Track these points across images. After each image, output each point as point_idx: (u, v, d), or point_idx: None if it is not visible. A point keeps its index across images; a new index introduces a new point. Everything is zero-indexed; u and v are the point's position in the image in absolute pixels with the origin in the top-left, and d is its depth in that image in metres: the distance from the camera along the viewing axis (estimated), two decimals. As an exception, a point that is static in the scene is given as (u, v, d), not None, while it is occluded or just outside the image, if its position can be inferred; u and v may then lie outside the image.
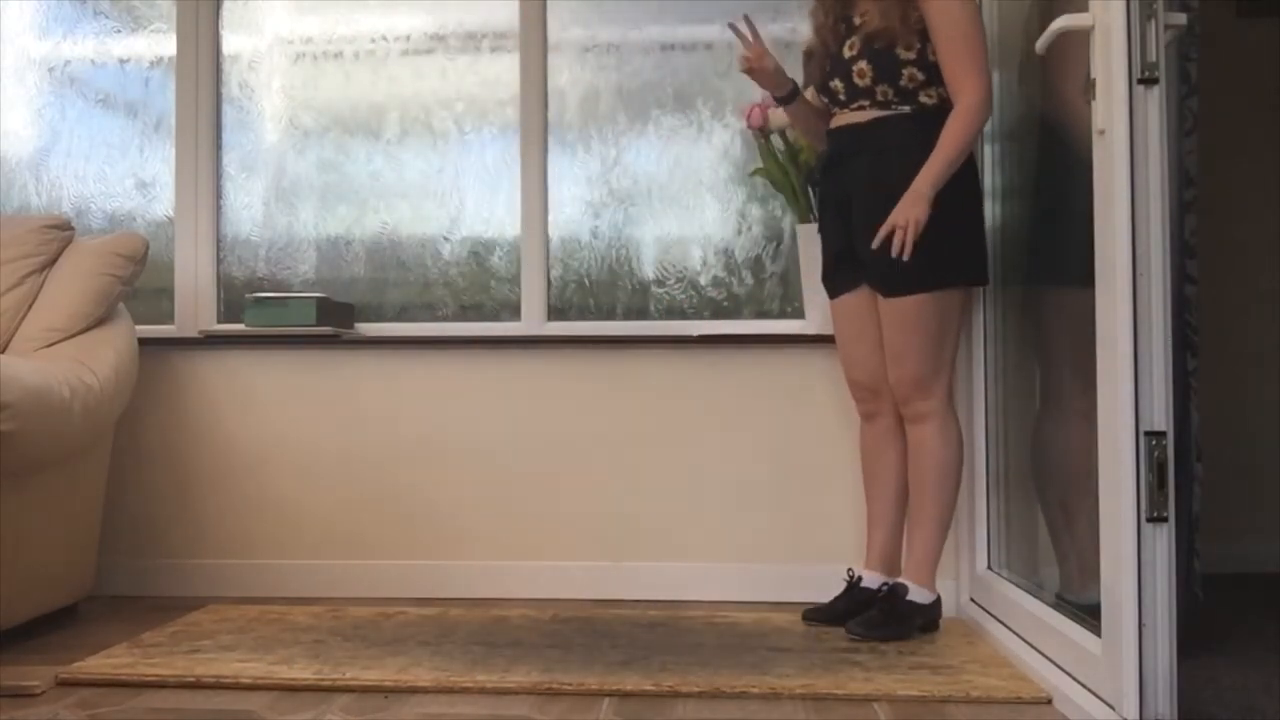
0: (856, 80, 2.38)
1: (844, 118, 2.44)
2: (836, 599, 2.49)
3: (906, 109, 2.37)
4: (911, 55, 2.34)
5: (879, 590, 2.45)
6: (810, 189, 2.75)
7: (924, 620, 2.40)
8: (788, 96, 2.52)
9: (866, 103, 2.39)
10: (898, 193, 2.27)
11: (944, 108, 2.34)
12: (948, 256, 2.34)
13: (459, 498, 2.94)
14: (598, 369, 2.92)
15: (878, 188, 2.34)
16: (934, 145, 2.29)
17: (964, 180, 2.35)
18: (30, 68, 3.25)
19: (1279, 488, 3.15)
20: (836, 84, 2.42)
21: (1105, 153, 1.72)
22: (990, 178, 2.61)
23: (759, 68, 2.47)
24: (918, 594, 2.38)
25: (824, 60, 2.46)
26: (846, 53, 2.39)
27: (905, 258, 2.24)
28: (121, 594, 2.93)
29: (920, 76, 2.34)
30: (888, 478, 2.50)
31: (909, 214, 2.24)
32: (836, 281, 2.51)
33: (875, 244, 2.28)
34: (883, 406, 2.48)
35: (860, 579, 2.49)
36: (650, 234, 3.08)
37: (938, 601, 2.42)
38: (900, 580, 2.41)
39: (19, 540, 2.32)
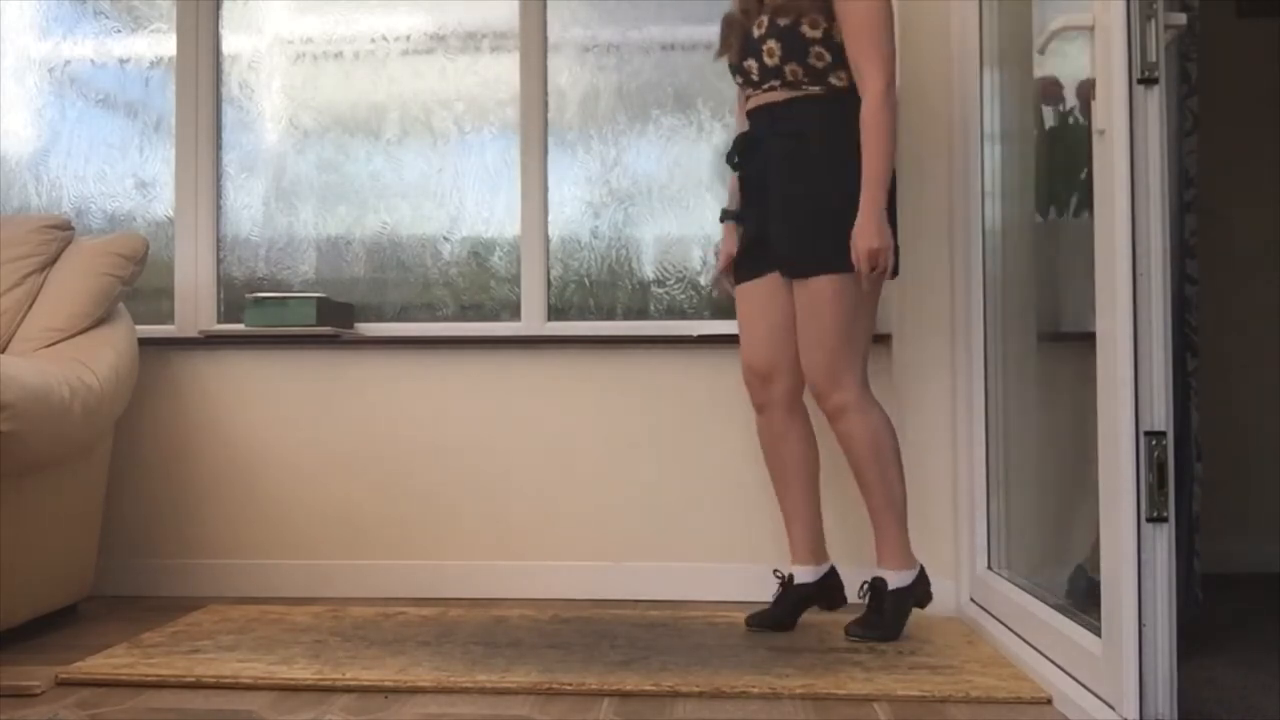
0: (766, 59, 2.35)
1: (758, 99, 2.41)
2: (776, 602, 2.47)
3: (817, 90, 2.34)
4: (817, 34, 2.31)
5: (820, 583, 2.47)
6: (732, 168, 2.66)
7: (915, 598, 2.39)
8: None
9: (777, 83, 2.36)
10: (814, 179, 2.29)
11: (855, 90, 2.31)
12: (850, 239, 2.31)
13: (459, 498, 2.94)
14: (598, 369, 2.92)
15: (794, 174, 2.33)
16: (849, 129, 2.28)
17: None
18: (30, 68, 3.25)
19: (1279, 488, 3.15)
20: (750, 63, 2.40)
21: (1105, 153, 1.72)
22: (991, 177, 2.62)
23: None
24: (898, 579, 2.36)
25: (740, 39, 2.42)
26: (756, 31, 2.37)
27: (890, 278, 2.30)
28: (121, 594, 2.93)
29: (828, 56, 2.33)
30: (794, 468, 2.48)
31: (877, 242, 2.24)
32: (748, 266, 2.48)
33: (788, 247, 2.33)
34: (773, 396, 2.47)
35: (793, 577, 2.48)
36: (650, 234, 3.08)
37: (921, 574, 2.40)
38: (878, 574, 2.39)
39: (19, 540, 2.32)
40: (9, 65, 3.25)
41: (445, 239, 3.14)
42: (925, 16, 2.72)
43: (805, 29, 2.31)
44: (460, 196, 3.13)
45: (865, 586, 2.39)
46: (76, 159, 3.23)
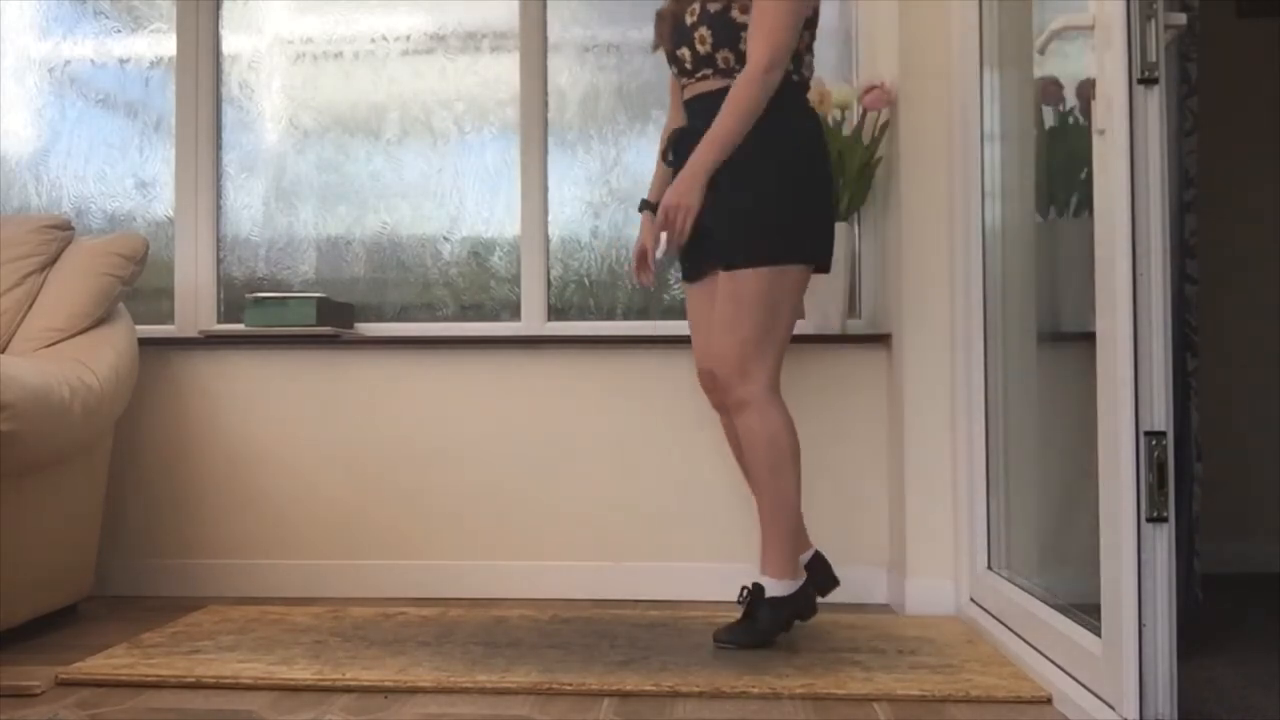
0: (699, 47, 2.32)
1: (693, 88, 2.37)
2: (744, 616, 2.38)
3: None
4: (748, 18, 2.26)
5: (809, 566, 2.41)
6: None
7: (791, 611, 2.32)
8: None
9: (710, 71, 2.33)
10: (748, 169, 2.25)
11: (785, 80, 2.28)
12: (782, 233, 2.28)
13: (459, 498, 2.94)
14: (598, 369, 2.92)
15: (727, 164, 2.27)
16: (783, 115, 2.26)
17: (803, 157, 2.30)
18: (30, 68, 3.26)
19: (1279, 488, 3.15)
20: (684, 52, 2.36)
21: (1105, 153, 1.72)
22: (992, 178, 2.62)
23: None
24: (777, 588, 2.30)
25: (672, 28, 2.39)
26: (689, 19, 2.33)
27: (681, 243, 2.26)
28: (121, 594, 2.93)
29: None
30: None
31: (681, 199, 2.22)
32: (692, 264, 2.45)
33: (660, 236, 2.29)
34: (728, 400, 2.38)
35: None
36: (650, 234, 3.07)
37: (804, 587, 2.34)
38: (758, 580, 2.32)
39: (19, 540, 2.32)
40: (9, 65, 3.25)
41: (445, 239, 3.14)
42: (925, 16, 2.72)
43: (735, 14, 2.27)
44: (460, 196, 3.13)
45: (744, 591, 2.32)
46: (76, 159, 3.23)
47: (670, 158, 2.44)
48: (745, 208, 2.27)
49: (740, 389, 2.29)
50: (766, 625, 2.29)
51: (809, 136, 2.33)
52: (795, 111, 2.32)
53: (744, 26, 2.27)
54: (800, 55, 2.34)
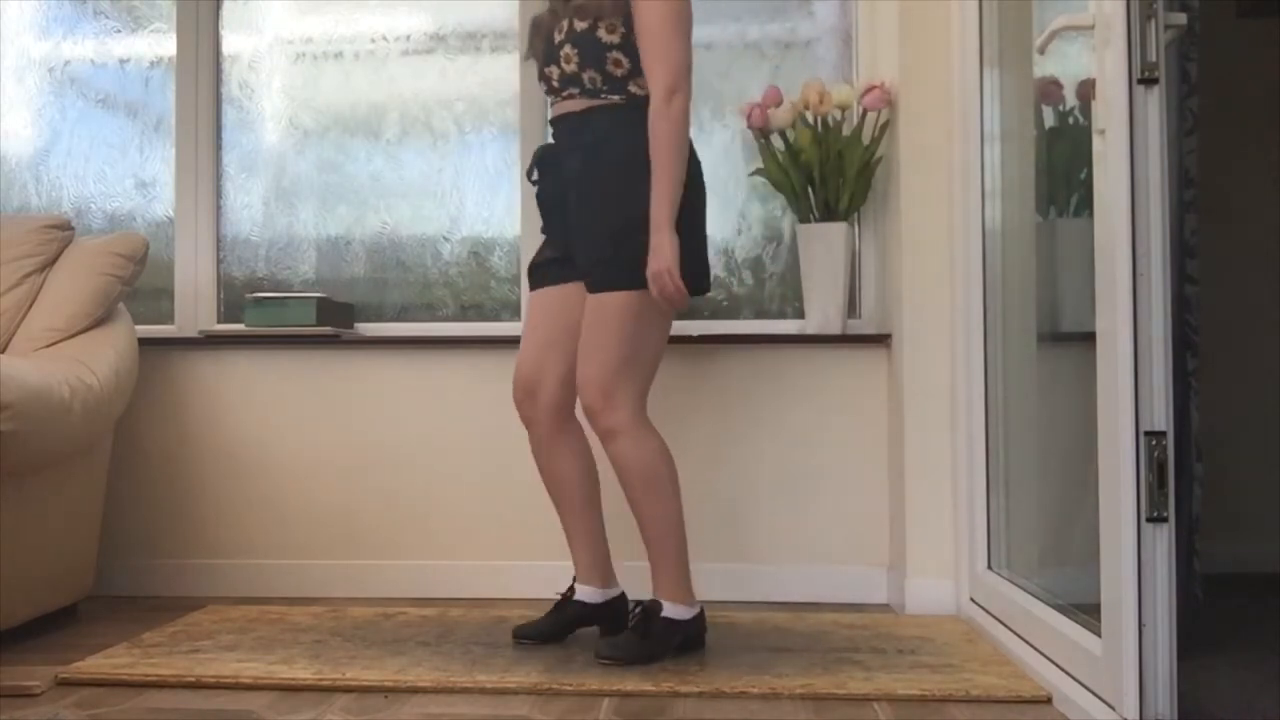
0: (565, 66, 2.26)
1: (560, 107, 2.32)
2: (549, 614, 2.37)
3: (617, 98, 2.24)
4: (615, 39, 2.21)
5: (605, 605, 2.37)
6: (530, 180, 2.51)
7: (684, 637, 2.24)
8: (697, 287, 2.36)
9: (576, 90, 2.27)
10: (611, 191, 2.21)
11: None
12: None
13: (459, 498, 2.94)
14: (598, 369, 2.92)
15: (591, 186, 2.25)
16: (645, 135, 2.19)
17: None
18: (30, 68, 3.26)
19: (1279, 488, 3.15)
20: (551, 70, 2.31)
21: (1105, 153, 1.72)
22: (992, 178, 2.62)
23: None
24: (673, 610, 2.23)
25: (545, 44, 2.33)
26: (557, 37, 2.28)
27: (685, 304, 2.19)
28: (121, 594, 2.93)
29: (626, 63, 2.22)
30: (568, 488, 2.39)
31: (661, 265, 2.14)
32: (544, 273, 2.37)
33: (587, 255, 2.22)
34: (537, 413, 2.35)
35: (574, 592, 2.39)
36: (650, 234, 3.07)
37: (699, 616, 2.28)
38: (654, 598, 2.25)
39: (19, 540, 2.32)
40: (9, 65, 3.25)
41: (445, 239, 3.14)
42: (925, 16, 2.72)
43: (602, 33, 2.21)
44: (460, 196, 3.13)
45: (637, 608, 2.25)
46: (76, 159, 3.23)
47: (534, 176, 2.39)
48: (615, 229, 2.21)
49: (607, 416, 2.21)
50: (658, 644, 2.20)
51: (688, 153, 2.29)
52: None
53: (610, 46, 2.22)
54: None
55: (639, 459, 2.22)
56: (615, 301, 2.21)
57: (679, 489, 2.28)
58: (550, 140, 2.40)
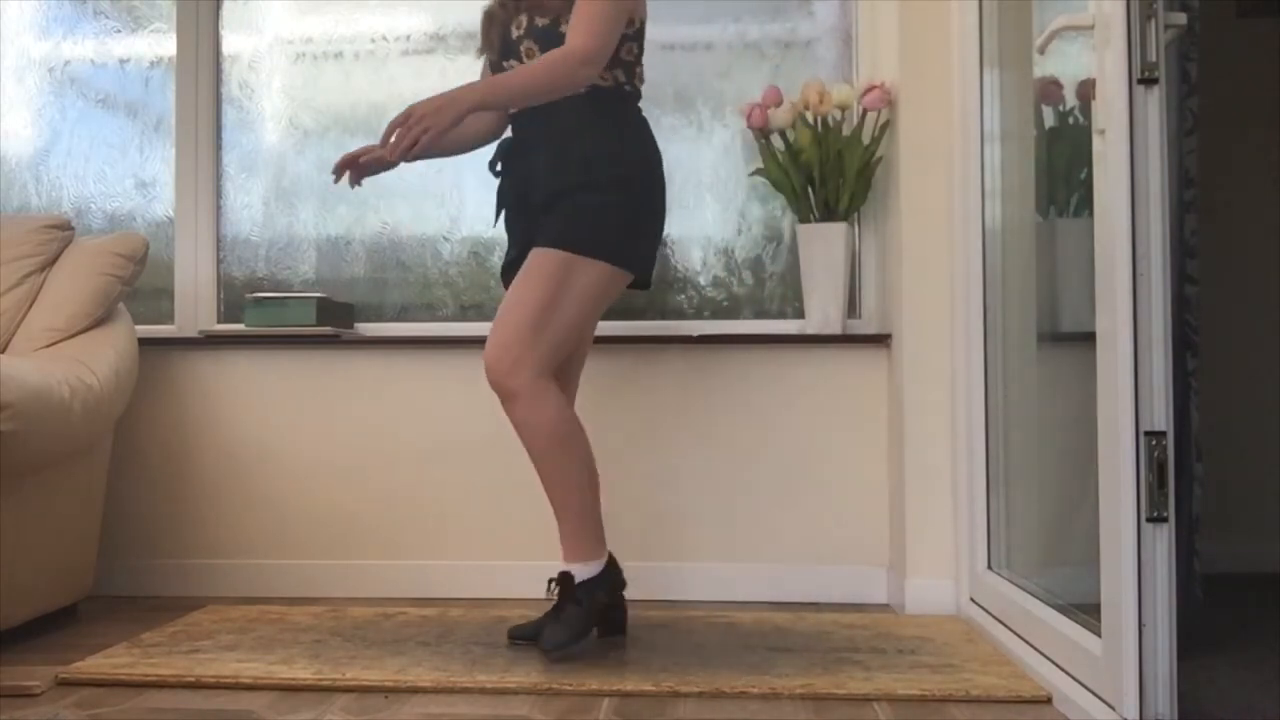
0: (525, 60, 2.26)
1: None
2: (543, 616, 2.32)
3: (581, 90, 2.22)
4: None
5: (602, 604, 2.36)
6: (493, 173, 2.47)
7: (606, 589, 2.27)
8: (499, 158, 2.39)
9: None
10: (576, 176, 2.21)
11: (619, 90, 2.28)
12: (602, 228, 2.22)
13: (459, 498, 2.94)
14: (598, 369, 2.92)
15: (556, 180, 2.24)
16: (614, 128, 2.24)
17: (646, 170, 2.29)
18: (30, 68, 3.25)
19: (1279, 488, 3.15)
20: (511, 64, 2.29)
21: (1105, 153, 1.72)
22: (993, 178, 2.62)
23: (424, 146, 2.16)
24: (583, 570, 2.24)
25: (500, 38, 2.32)
26: (515, 31, 2.28)
27: (405, 157, 2.13)
28: (121, 594, 2.93)
29: None
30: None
31: (431, 118, 2.10)
32: (513, 276, 2.33)
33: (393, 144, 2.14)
34: None
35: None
36: (650, 234, 3.07)
37: (609, 564, 2.30)
38: (564, 569, 2.26)
39: (19, 540, 2.32)
40: (9, 65, 3.25)
41: (445, 239, 3.14)
42: (925, 16, 2.72)
43: (564, 28, 2.20)
44: (460, 196, 3.13)
45: (552, 583, 2.25)
46: (76, 159, 3.23)
47: (498, 168, 2.39)
48: (569, 207, 2.22)
49: (508, 379, 2.19)
50: (585, 613, 2.22)
51: (647, 149, 2.32)
52: (634, 125, 2.32)
53: None
54: (632, 67, 2.32)
55: (540, 422, 2.20)
56: (542, 260, 2.20)
57: (583, 450, 2.25)
58: (510, 136, 2.39)
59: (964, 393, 2.62)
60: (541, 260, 2.21)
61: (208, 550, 2.97)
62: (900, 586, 2.70)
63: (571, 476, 2.25)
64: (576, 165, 2.23)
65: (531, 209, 2.30)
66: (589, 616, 2.24)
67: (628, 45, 2.30)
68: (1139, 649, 1.65)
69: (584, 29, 2.15)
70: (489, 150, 2.46)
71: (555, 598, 2.25)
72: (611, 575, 2.31)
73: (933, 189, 2.71)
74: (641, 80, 2.37)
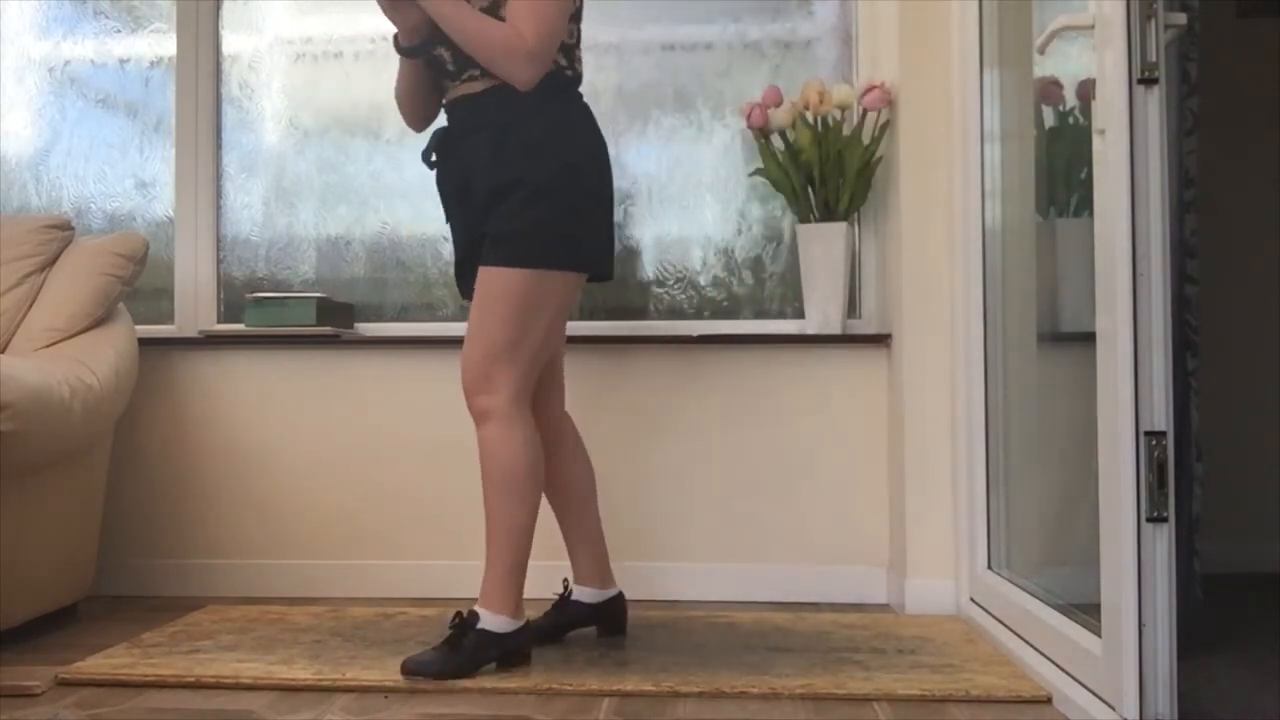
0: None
1: (458, 90, 2.21)
2: (543, 616, 2.34)
3: (516, 85, 2.13)
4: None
5: (601, 606, 2.37)
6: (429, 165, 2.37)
7: (501, 651, 2.10)
8: (412, 50, 2.21)
9: (476, 72, 2.16)
10: (523, 173, 2.11)
11: (560, 76, 2.18)
12: (549, 235, 2.12)
13: (459, 498, 2.93)
14: (598, 369, 2.92)
15: (500, 169, 2.13)
16: (559, 118, 2.16)
17: (585, 158, 2.18)
18: (30, 68, 3.25)
19: (1279, 488, 3.15)
20: (443, 53, 2.19)
21: (1105, 153, 1.72)
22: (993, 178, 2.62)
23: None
24: (492, 622, 2.10)
25: (433, 26, 2.16)
26: None
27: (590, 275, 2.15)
28: (121, 594, 2.93)
29: None
30: (564, 490, 2.38)
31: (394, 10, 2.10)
32: (466, 284, 2.27)
33: None
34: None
35: (571, 593, 2.39)
36: (650, 234, 3.08)
37: (522, 629, 2.14)
38: (475, 608, 2.13)
39: (19, 540, 2.32)
40: (9, 65, 3.25)
41: (445, 239, 3.13)
42: (925, 16, 2.72)
43: (503, 13, 2.10)
44: (460, 196, 3.13)
45: (455, 617, 2.13)
46: (76, 159, 3.23)
47: (433, 159, 2.29)
48: (512, 205, 2.12)
49: (481, 399, 2.12)
50: (469, 657, 2.08)
51: (591, 135, 2.24)
52: (577, 111, 2.24)
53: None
54: (572, 50, 2.22)
55: (503, 453, 2.12)
56: (503, 277, 2.11)
57: (535, 497, 2.17)
58: (445, 125, 2.30)
59: (964, 393, 2.62)
60: (501, 282, 2.12)
61: (208, 550, 2.97)
62: (900, 586, 2.70)
63: (515, 524, 2.15)
64: (519, 153, 2.13)
65: (474, 198, 2.19)
66: (469, 664, 2.08)
67: (569, 28, 2.20)
68: (1139, 649, 1.65)
69: (528, 17, 2.08)
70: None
71: (450, 630, 2.11)
72: (517, 642, 2.14)
73: (933, 189, 2.71)
74: (581, 64, 2.26)
